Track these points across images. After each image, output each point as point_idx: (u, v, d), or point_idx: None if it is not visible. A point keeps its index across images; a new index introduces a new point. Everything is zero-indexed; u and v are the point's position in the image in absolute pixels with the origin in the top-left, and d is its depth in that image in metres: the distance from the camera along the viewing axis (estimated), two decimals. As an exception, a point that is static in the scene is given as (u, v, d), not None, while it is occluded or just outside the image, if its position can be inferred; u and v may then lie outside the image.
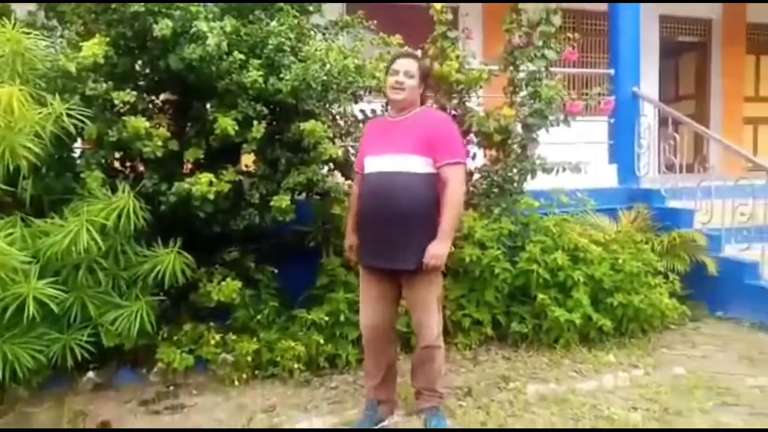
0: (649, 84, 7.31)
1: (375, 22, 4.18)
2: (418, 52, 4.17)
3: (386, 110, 3.45)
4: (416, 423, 2.88)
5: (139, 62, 3.55)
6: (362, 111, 4.15)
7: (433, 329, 2.75)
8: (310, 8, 3.77)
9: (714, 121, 8.83)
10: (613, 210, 4.95)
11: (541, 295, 3.76)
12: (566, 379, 3.40)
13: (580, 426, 2.84)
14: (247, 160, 3.86)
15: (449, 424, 2.85)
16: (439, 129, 2.72)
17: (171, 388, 3.40)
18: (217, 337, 3.48)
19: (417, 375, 2.92)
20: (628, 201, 5.17)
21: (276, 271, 3.82)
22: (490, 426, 2.87)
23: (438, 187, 2.67)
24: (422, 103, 2.87)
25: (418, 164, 2.63)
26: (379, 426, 2.86)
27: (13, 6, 3.58)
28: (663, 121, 5.64)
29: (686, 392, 3.19)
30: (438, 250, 2.60)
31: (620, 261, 3.96)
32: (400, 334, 3.41)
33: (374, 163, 2.73)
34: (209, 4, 3.40)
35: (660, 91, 8.34)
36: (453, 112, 4.33)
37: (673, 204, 5.07)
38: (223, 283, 3.44)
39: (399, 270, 2.69)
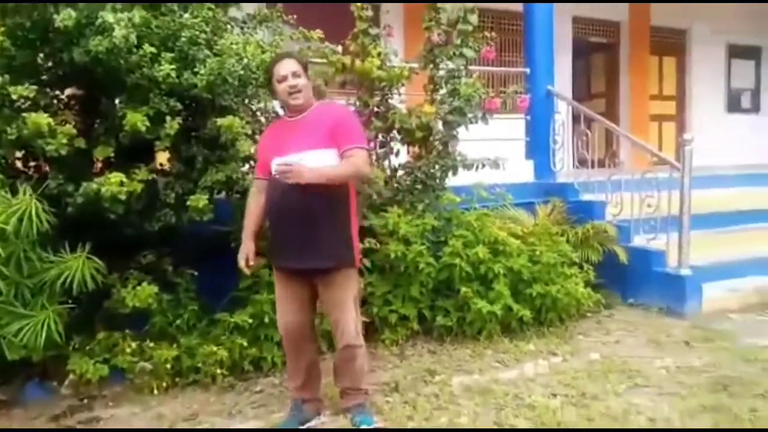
0: (563, 82, 7.61)
1: (294, 16, 4.11)
2: (339, 48, 4.18)
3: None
4: (343, 422, 2.86)
5: (41, 55, 3.32)
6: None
7: (351, 328, 2.72)
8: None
9: (623, 118, 9.33)
10: (530, 204, 5.12)
11: (464, 288, 3.83)
12: (489, 370, 3.49)
13: (502, 415, 2.91)
14: (162, 158, 3.70)
15: (376, 420, 2.85)
16: (339, 119, 2.69)
17: (85, 400, 3.23)
18: (134, 344, 3.33)
19: (340, 375, 2.90)
20: (544, 195, 5.37)
21: (195, 273, 3.68)
22: (416, 420, 2.89)
23: (347, 182, 2.68)
24: (319, 96, 2.84)
25: (324, 158, 2.59)
26: (306, 426, 2.83)
27: None
28: (576, 118, 5.89)
29: (601, 376, 3.35)
30: (300, 168, 2.48)
31: (538, 253, 4.11)
32: (324, 333, 3.39)
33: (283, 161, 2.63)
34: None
35: (573, 89, 8.71)
36: (375, 108, 4.34)
37: (586, 197, 5.30)
38: (138, 288, 3.28)
39: (312, 270, 2.66)
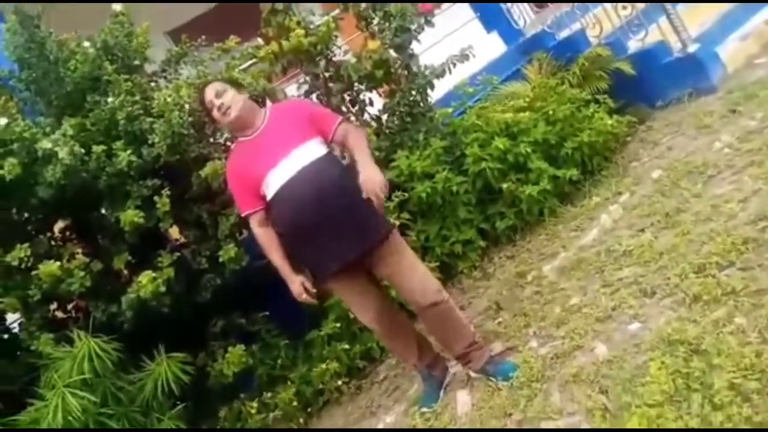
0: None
1: (203, 37, 3.96)
2: (259, 41, 4.01)
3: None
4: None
5: (14, 211, 3.28)
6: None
7: (432, 283, 2.56)
8: (137, 62, 3.52)
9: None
10: (517, 72, 4.94)
11: (504, 185, 3.73)
12: (571, 242, 3.41)
13: (606, 275, 2.85)
14: (174, 234, 3.67)
15: (516, 364, 2.59)
16: (303, 111, 2.59)
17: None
18: (255, 404, 3.36)
19: (447, 341, 2.68)
20: (524, 56, 5.16)
21: (266, 313, 3.68)
22: (533, 326, 2.82)
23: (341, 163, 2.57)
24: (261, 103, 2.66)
25: (313, 150, 2.42)
26: (445, 385, 2.79)
27: None
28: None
29: (673, 188, 3.23)
30: (371, 176, 2.33)
31: (551, 113, 3.96)
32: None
33: (281, 171, 2.41)
34: (41, 119, 3.13)
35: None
36: (327, 74, 4.18)
37: (563, 34, 5.08)
38: (227, 355, 3.30)
39: (366, 251, 2.45)
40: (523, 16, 5.52)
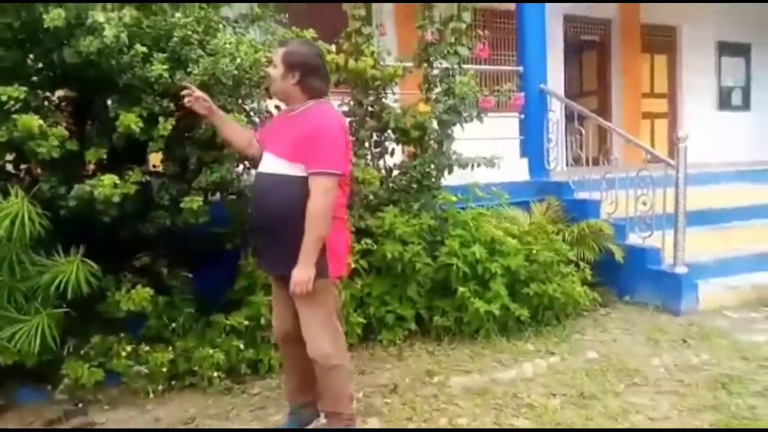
0: (555, 80, 7.60)
1: (286, 15, 4.08)
2: (332, 47, 4.15)
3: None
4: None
5: (31, 56, 3.27)
6: (277, 107, 4.03)
7: (323, 347, 2.46)
8: None
9: (615, 115, 9.35)
10: (525, 202, 5.13)
11: (461, 288, 3.82)
12: (488, 370, 3.47)
13: (502, 415, 2.90)
14: (155, 160, 3.66)
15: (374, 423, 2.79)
16: (311, 133, 2.37)
17: (80, 405, 3.16)
18: (129, 348, 3.29)
19: (322, 394, 2.64)
20: (539, 193, 5.38)
21: (191, 275, 3.64)
22: (415, 421, 2.87)
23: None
24: (315, 94, 2.48)
25: (288, 167, 2.39)
26: (311, 426, 2.78)
27: None
28: (570, 117, 5.90)
29: (600, 375, 3.35)
30: (299, 276, 2.33)
31: (534, 252, 4.09)
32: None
33: (262, 161, 2.54)
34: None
35: (566, 87, 8.72)
36: (370, 108, 4.32)
37: (581, 195, 5.31)
38: (132, 291, 3.24)
39: (279, 275, 2.50)
40: (558, 161, 5.77)
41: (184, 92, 2.62)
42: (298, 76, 2.43)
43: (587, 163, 5.46)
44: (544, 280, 4.06)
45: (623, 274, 4.77)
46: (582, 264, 4.49)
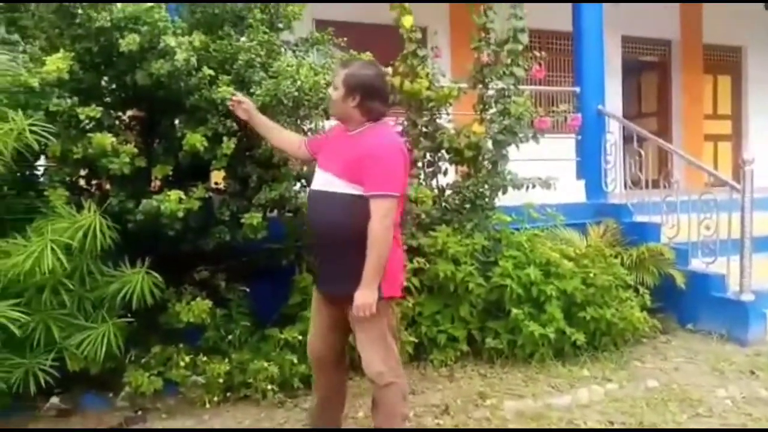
0: (612, 102, 7.48)
1: (345, 39, 4.19)
2: (389, 69, 4.23)
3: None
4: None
5: (105, 78, 3.47)
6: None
7: (375, 365, 2.46)
8: (280, 25, 3.76)
9: (676, 137, 9.08)
10: (581, 225, 5.02)
11: (515, 310, 3.76)
12: (542, 395, 3.40)
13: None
14: (217, 177, 3.80)
15: None
16: (370, 154, 2.37)
17: (139, 412, 3.27)
18: (187, 358, 3.38)
19: (374, 408, 2.61)
20: (596, 216, 5.26)
21: (247, 290, 3.74)
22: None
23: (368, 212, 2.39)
24: (374, 116, 2.49)
25: (345, 187, 2.40)
26: None
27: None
28: (627, 138, 5.77)
29: (660, 405, 3.22)
30: (364, 298, 2.35)
31: (591, 275, 4.00)
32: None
33: (315, 177, 2.56)
34: (177, 19, 3.36)
35: (623, 108, 8.55)
36: (424, 128, 4.36)
37: (640, 218, 5.16)
38: (192, 303, 3.36)
39: (332, 294, 2.54)
40: (616, 183, 5.64)
41: (230, 99, 2.76)
42: (359, 98, 2.44)
43: (646, 186, 5.32)
44: (602, 305, 3.95)
45: (685, 301, 4.59)
46: (641, 289, 4.35)
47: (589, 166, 5.68)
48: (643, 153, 5.37)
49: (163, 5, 3.18)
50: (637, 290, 4.32)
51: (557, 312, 3.79)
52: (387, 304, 2.53)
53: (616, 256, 4.48)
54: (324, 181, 2.48)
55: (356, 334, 2.52)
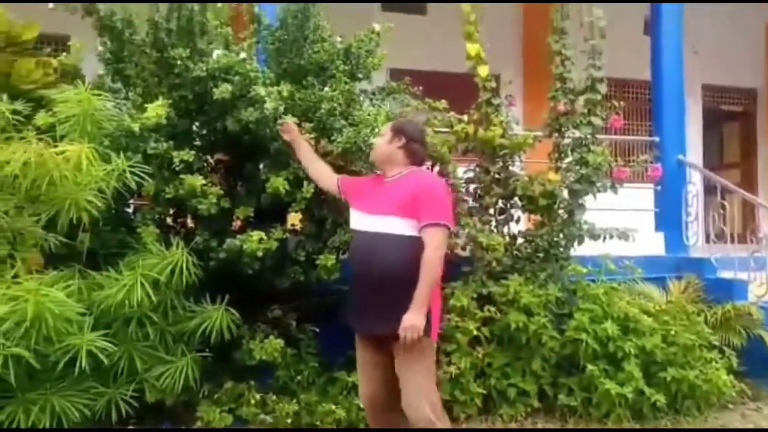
0: (692, 152, 7.21)
1: (420, 88, 4.29)
2: (464, 117, 4.29)
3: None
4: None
5: (197, 123, 3.70)
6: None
7: (418, 408, 2.46)
8: (360, 75, 3.90)
9: (762, 189, 8.64)
10: (661, 279, 4.81)
11: (590, 366, 3.63)
12: (619, 458, 3.23)
13: None
14: (294, 219, 3.92)
15: None
16: (422, 189, 2.55)
17: (209, 447, 3.34)
18: (257, 396, 3.45)
19: None
20: (676, 270, 5.03)
21: (317, 330, 3.80)
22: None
23: (422, 250, 2.49)
24: (417, 160, 2.70)
25: (399, 226, 2.51)
26: None
27: (83, 69, 3.80)
28: (709, 190, 5.54)
29: (750, 478, 2.99)
30: (412, 320, 2.40)
31: (672, 333, 3.82)
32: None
33: (358, 220, 2.68)
34: (266, 70, 3.56)
35: (704, 159, 8.24)
36: (496, 175, 4.36)
37: (724, 274, 4.90)
38: (266, 341, 3.43)
39: (373, 333, 2.59)
40: (698, 236, 5.40)
41: (280, 121, 3.08)
42: (404, 140, 2.67)
43: (731, 240, 5.06)
44: (684, 365, 3.75)
45: (775, 366, 4.28)
46: (727, 350, 4.10)
47: (670, 217, 5.47)
48: (727, 205, 5.13)
49: (254, 57, 3.39)
50: (722, 351, 4.08)
51: (636, 370, 3.63)
52: (432, 346, 2.58)
53: (698, 314, 4.26)
54: (370, 222, 2.59)
55: (401, 375, 2.52)
